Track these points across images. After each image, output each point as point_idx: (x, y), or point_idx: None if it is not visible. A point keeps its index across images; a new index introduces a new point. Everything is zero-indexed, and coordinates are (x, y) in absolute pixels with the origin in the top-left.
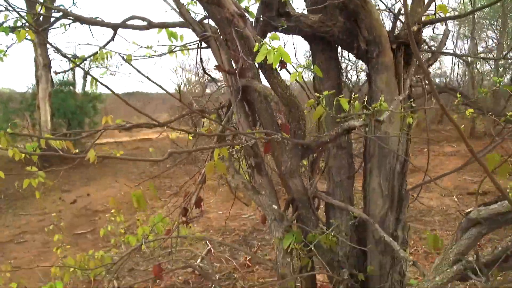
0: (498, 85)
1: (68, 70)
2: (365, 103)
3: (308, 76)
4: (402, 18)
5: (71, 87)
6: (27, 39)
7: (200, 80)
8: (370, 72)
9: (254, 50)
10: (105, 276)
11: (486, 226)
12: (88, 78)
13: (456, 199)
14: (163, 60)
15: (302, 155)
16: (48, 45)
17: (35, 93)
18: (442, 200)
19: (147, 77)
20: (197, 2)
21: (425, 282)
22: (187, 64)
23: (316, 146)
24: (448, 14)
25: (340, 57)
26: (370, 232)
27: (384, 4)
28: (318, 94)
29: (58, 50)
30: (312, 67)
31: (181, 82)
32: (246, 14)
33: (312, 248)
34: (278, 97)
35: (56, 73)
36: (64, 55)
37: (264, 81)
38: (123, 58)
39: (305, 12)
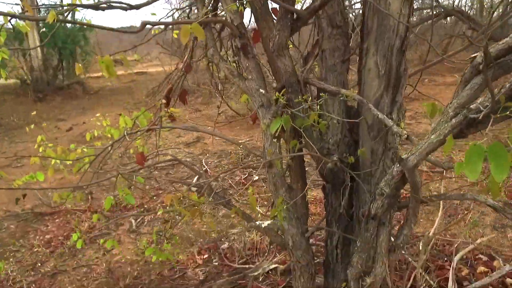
0: None
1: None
2: None
3: None
4: None
5: (60, 16)
6: None
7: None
8: None
9: None
10: (87, 170)
11: (492, 72)
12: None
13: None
14: None
15: (292, 27)
16: None
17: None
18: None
19: None
20: None
21: (418, 145)
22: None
23: (307, 14)
24: None
25: None
26: (363, 118)
27: None
28: None
29: None
30: None
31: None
32: None
33: (301, 133)
34: None
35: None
36: None
37: None
38: None
39: None
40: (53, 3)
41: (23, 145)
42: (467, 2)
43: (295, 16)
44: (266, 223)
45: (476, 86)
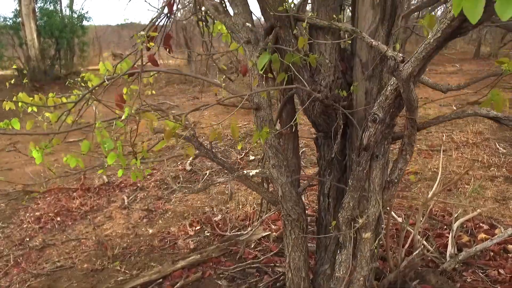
0: None
1: None
2: None
3: None
4: None
5: (56, 5)
6: None
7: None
8: None
9: None
10: (67, 118)
11: None
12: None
13: (455, 108)
14: None
15: None
16: None
17: (17, 10)
18: (441, 110)
19: None
20: None
21: (414, 53)
22: None
23: None
24: None
25: None
26: (357, 55)
27: None
28: None
29: None
30: None
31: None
32: None
33: (291, 67)
34: None
35: None
36: None
37: None
38: None
39: None
40: None
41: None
42: None
43: None
44: (254, 171)
45: None
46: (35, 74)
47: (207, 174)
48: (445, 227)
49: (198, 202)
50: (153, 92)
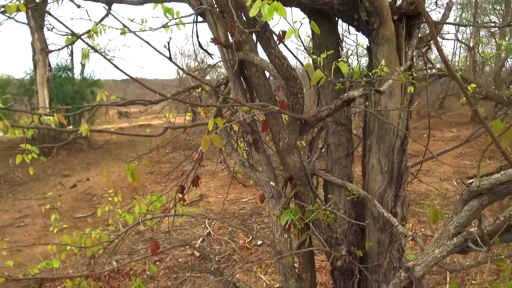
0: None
1: (63, 47)
2: (365, 70)
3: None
4: None
5: (69, 72)
6: (22, 22)
7: (200, 65)
8: (371, 45)
9: (248, 3)
10: (102, 254)
11: (487, 197)
12: (86, 64)
13: (455, 183)
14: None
15: (301, 130)
16: (45, 29)
17: (33, 78)
18: (441, 184)
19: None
20: None
21: (424, 255)
22: (186, 50)
23: (315, 120)
24: None
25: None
26: (369, 209)
27: None
28: (315, 57)
29: (57, 20)
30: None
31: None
32: None
33: (310, 225)
34: (275, 69)
35: (49, 51)
36: (67, 30)
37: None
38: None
39: None
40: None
41: (27, 203)
42: (460, 58)
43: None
44: None
45: (473, 208)
46: (45, 140)
47: (216, 260)
48: None
49: None
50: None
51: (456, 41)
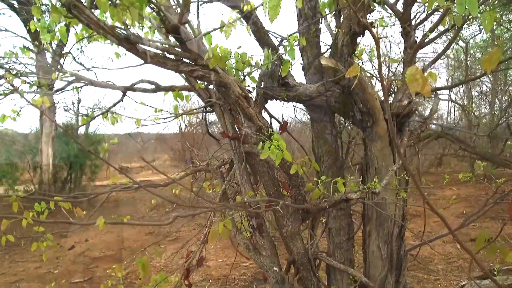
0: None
1: (79, 127)
2: (361, 171)
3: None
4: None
5: (73, 131)
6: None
7: (201, 122)
8: (366, 140)
9: (259, 148)
10: None
11: None
12: (91, 122)
13: (458, 246)
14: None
15: (303, 218)
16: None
17: (38, 136)
18: (444, 247)
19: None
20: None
21: None
22: (189, 107)
23: (316, 210)
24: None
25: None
26: None
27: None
28: (316, 179)
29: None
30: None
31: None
32: (249, 94)
33: None
34: (279, 167)
35: (60, 127)
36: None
37: None
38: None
39: (304, 80)
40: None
41: (23, 265)
42: (455, 116)
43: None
44: None
45: None
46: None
47: None
48: None
49: None
50: None
51: (449, 101)
